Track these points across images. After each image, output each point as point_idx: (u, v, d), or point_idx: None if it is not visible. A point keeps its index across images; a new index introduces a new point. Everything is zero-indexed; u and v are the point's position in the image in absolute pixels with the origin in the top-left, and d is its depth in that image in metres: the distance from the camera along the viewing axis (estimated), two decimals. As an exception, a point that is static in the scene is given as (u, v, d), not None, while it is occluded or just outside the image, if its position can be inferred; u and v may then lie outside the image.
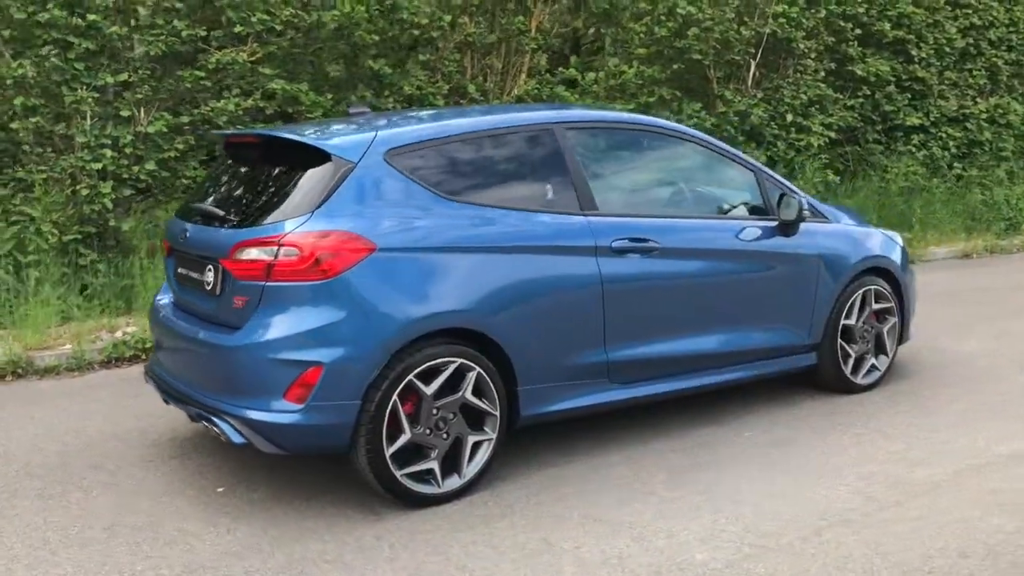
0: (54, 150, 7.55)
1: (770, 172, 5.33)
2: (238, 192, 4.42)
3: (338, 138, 4.14)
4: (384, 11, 8.81)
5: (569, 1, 11.10)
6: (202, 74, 7.96)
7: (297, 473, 4.41)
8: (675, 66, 10.71)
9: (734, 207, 5.17)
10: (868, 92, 11.86)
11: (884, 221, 11.35)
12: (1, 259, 7.13)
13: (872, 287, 5.56)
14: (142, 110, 7.76)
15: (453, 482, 4.10)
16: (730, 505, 4.04)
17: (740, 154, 5.27)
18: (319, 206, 3.91)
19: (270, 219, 3.96)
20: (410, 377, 3.93)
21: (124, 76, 7.63)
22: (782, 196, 5.11)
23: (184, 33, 7.85)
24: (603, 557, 3.59)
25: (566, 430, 4.85)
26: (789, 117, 10.91)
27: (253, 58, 8.25)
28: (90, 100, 7.44)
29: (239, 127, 7.94)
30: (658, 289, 4.69)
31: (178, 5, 7.90)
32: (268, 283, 3.86)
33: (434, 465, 4.04)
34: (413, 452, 4.03)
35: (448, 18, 9.21)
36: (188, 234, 4.32)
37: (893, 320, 5.70)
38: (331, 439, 3.87)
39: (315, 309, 3.82)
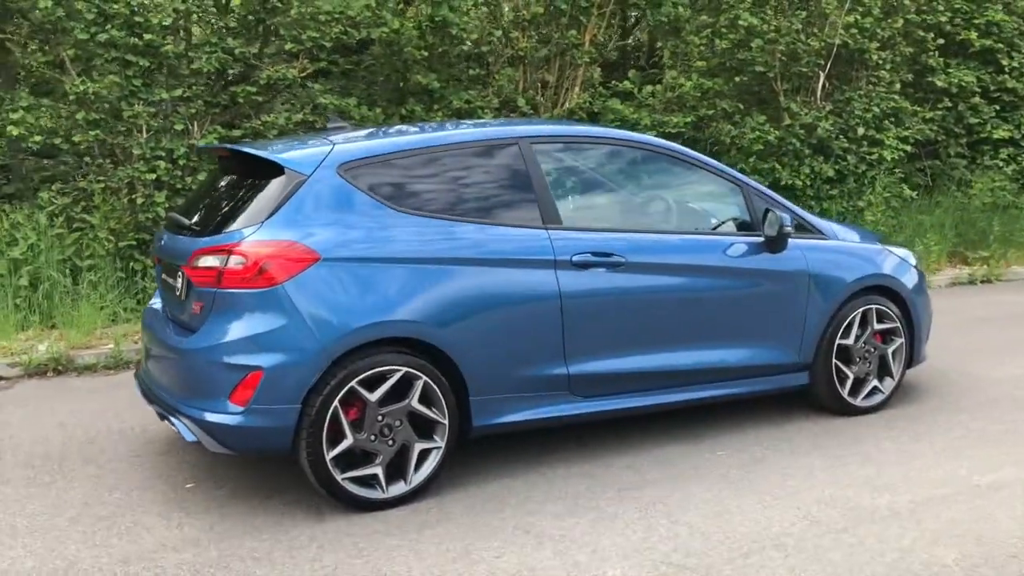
0: (113, 162, 8.03)
1: (759, 187, 5.24)
2: (209, 203, 4.65)
3: (294, 152, 4.32)
4: (434, 27, 9.01)
5: (625, 14, 11.07)
6: (253, 89, 8.33)
7: (265, 472, 4.59)
8: (737, 78, 10.56)
9: (722, 223, 5.12)
10: (950, 104, 11.40)
11: (962, 238, 10.91)
12: (61, 263, 7.63)
13: (874, 306, 5.38)
14: (195, 124, 8.17)
15: (398, 488, 4.20)
16: (667, 523, 4.00)
17: (726, 169, 5.20)
18: (269, 217, 4.10)
19: (226, 229, 4.16)
20: (352, 384, 4.05)
21: (179, 92, 8.06)
22: (767, 212, 5.02)
23: (237, 51, 8.25)
24: (517, 568, 3.63)
25: (531, 441, 4.88)
26: (861, 130, 10.58)
27: (303, 74, 8.58)
28: (146, 115, 7.89)
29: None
30: (626, 304, 4.68)
31: (232, 24, 8.30)
32: (219, 289, 4.06)
33: (378, 471, 4.15)
34: (360, 457, 4.15)
35: (498, 32, 9.36)
36: (163, 242, 4.58)
37: (899, 342, 5.50)
38: (273, 441, 4.03)
39: (259, 315, 3.99)
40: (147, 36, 7.82)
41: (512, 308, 4.40)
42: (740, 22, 10.06)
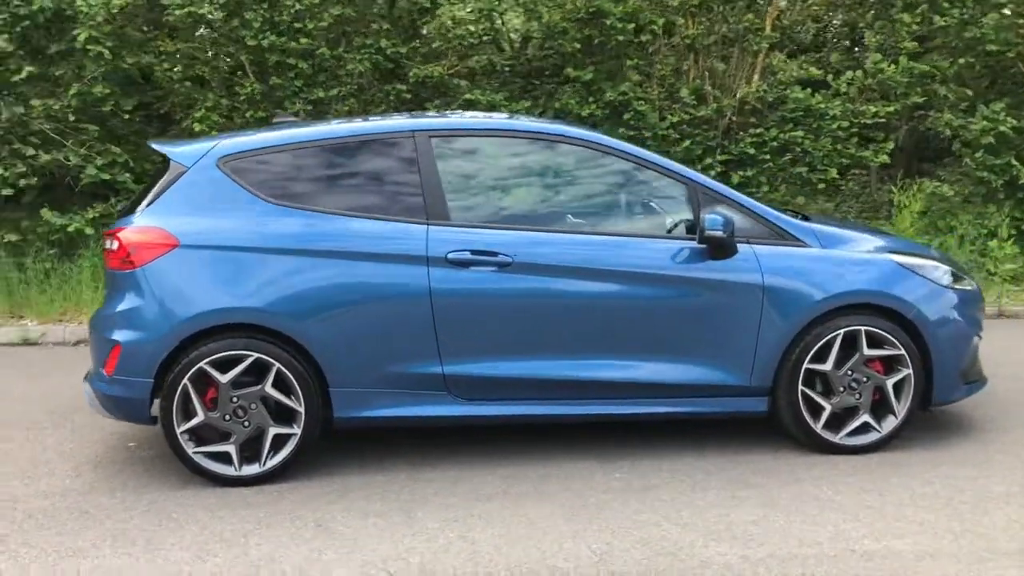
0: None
1: (712, 184, 4.66)
2: (142, 191, 5.06)
3: (183, 146, 4.62)
4: (590, 17, 8.88)
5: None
6: (403, 87, 8.81)
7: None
8: (962, 60, 9.17)
9: (672, 226, 4.63)
10: None
11: None
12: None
13: (863, 328, 4.55)
14: (348, 120, 8.81)
15: (252, 469, 4.38)
16: (454, 537, 3.78)
17: (672, 165, 4.68)
18: (149, 204, 4.46)
19: (129, 215, 4.58)
20: (202, 364, 4.30)
21: (335, 91, 8.75)
22: (708, 214, 4.45)
23: (389, 51, 8.76)
24: (300, 561, 3.61)
25: (433, 440, 4.80)
26: None
27: (451, 70, 8.89)
28: (304, 112, 8.67)
29: None
30: (516, 306, 4.43)
31: (385, 26, 8.83)
32: (108, 270, 4.52)
33: (231, 449, 4.36)
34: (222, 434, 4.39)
35: (661, 21, 8.97)
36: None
37: (905, 373, 4.60)
38: (134, 411, 4.40)
39: (125, 294, 4.38)
40: (303, 41, 8.59)
41: (376, 304, 4.38)
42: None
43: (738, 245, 4.53)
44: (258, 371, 4.35)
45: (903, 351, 4.59)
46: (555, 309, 4.46)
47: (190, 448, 4.35)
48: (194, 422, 4.34)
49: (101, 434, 5.19)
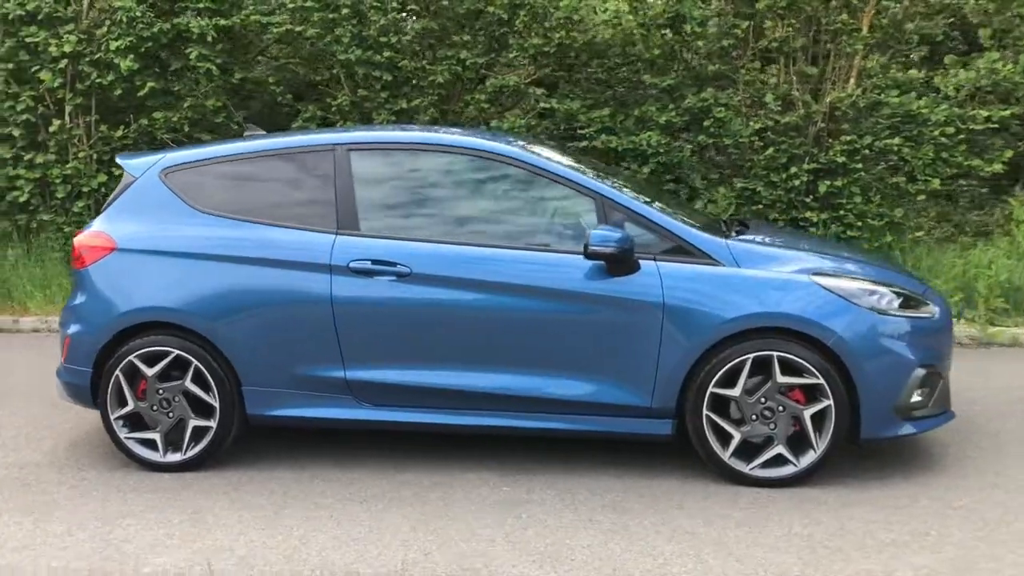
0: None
1: (622, 199, 4.52)
2: None
3: (138, 158, 5.04)
4: (670, 23, 8.69)
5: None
6: (482, 97, 9.01)
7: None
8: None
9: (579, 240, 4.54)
10: None
11: None
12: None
13: (776, 354, 4.27)
14: (429, 130, 9.13)
15: (175, 457, 4.74)
16: (303, 538, 3.95)
17: (582, 179, 4.57)
18: (104, 210, 4.94)
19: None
20: (131, 357, 4.70)
21: (417, 102, 9.09)
22: (597, 228, 4.34)
23: (468, 62, 8.99)
24: (147, 544, 3.92)
25: (363, 442, 4.97)
26: None
27: (528, 80, 8.98)
28: (387, 123, 9.07)
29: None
30: (413, 316, 4.52)
31: (465, 38, 9.06)
32: (72, 268, 5.04)
33: (156, 437, 4.75)
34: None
35: (744, 25, 8.63)
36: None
37: (825, 404, 4.28)
38: (82, 396, 4.86)
39: (76, 292, 4.88)
40: (385, 54, 8.99)
41: (283, 308, 4.61)
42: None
43: (643, 261, 4.39)
44: (182, 367, 4.71)
45: (822, 380, 4.26)
46: (451, 320, 4.51)
47: (123, 433, 4.78)
48: (126, 410, 4.75)
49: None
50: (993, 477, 4.44)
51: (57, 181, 9.48)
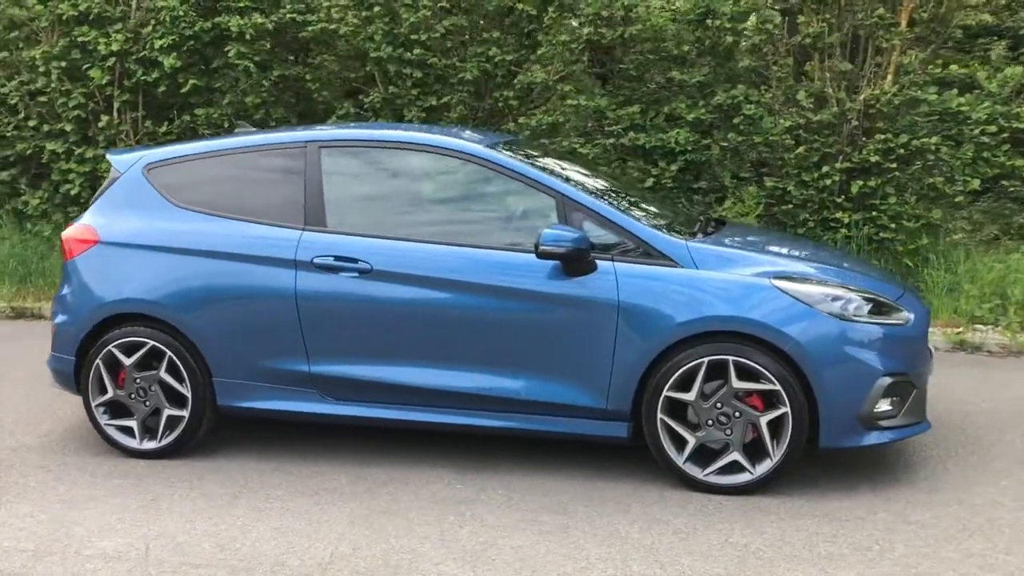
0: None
1: (582, 198, 4.46)
2: None
3: (125, 154, 5.19)
4: (700, 18, 8.54)
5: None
6: (510, 94, 9.00)
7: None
8: None
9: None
10: None
11: None
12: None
13: (731, 358, 4.17)
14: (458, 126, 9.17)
15: (151, 444, 4.88)
16: (243, 528, 4.03)
17: (544, 178, 4.53)
18: (91, 205, 5.11)
19: (84, 214, 5.26)
20: (110, 347, 4.85)
21: (446, 99, 9.14)
22: (549, 228, 4.30)
23: (496, 59, 9.00)
24: (94, 526, 4.06)
25: (339, 437, 5.03)
26: None
27: (556, 76, 8.94)
28: (416, 120, 9.15)
29: (544, 140, 8.83)
30: (374, 312, 4.56)
31: (495, 35, 9.07)
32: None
33: (134, 424, 4.89)
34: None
35: (777, 19, 8.42)
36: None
37: (782, 411, 4.16)
38: (67, 383, 5.04)
39: (63, 283, 5.06)
40: (416, 51, 9.06)
41: (250, 302, 4.70)
42: None
43: (600, 262, 4.34)
44: (158, 357, 4.84)
45: (778, 386, 4.15)
46: (411, 317, 4.53)
47: (103, 420, 4.94)
48: (105, 397, 4.91)
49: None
50: (962, 493, 4.24)
51: (106, 175, 9.81)
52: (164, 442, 4.86)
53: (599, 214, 4.43)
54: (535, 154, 5.16)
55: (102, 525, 4.08)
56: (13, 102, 10.00)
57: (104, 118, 9.76)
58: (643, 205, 5.05)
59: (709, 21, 8.37)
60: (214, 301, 4.74)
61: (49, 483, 4.58)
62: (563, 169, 5.00)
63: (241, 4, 9.46)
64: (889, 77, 8.36)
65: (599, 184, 5.03)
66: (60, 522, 4.12)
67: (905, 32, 8.23)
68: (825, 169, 8.29)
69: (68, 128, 9.88)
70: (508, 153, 4.71)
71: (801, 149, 8.34)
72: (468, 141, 4.78)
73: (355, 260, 4.57)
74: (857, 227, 8.25)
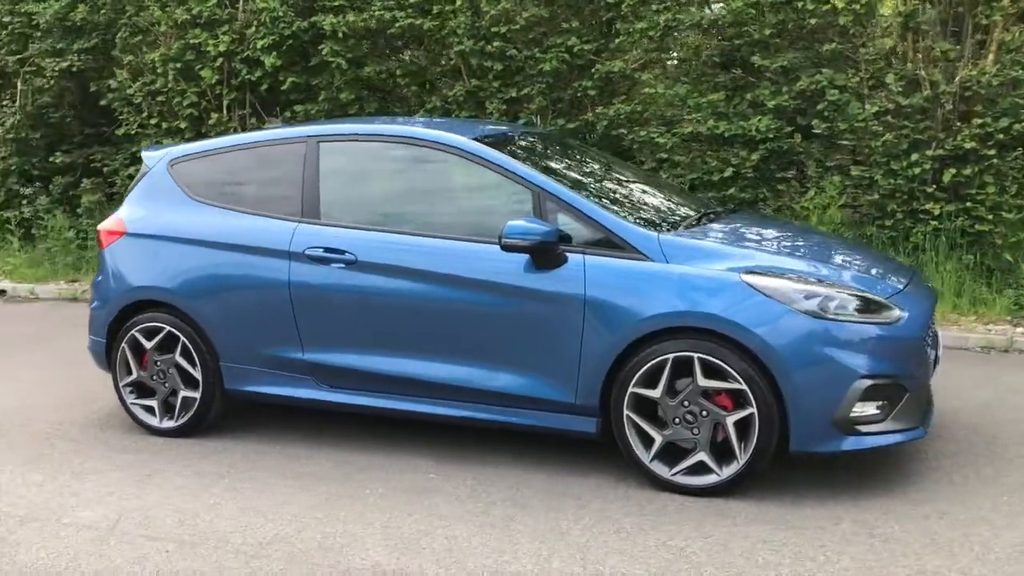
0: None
1: (556, 189, 4.39)
2: None
3: (154, 151, 5.49)
4: (784, 1, 8.19)
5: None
6: (588, 84, 8.93)
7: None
8: None
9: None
10: None
11: None
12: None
13: (696, 355, 4.02)
14: (539, 118, 9.17)
15: (169, 423, 5.18)
16: (214, 507, 4.22)
17: (525, 171, 4.47)
18: (125, 198, 5.45)
19: (121, 207, 5.62)
20: (133, 331, 5.18)
21: (526, 90, 9.16)
22: (513, 220, 4.26)
23: (575, 49, 8.94)
24: (87, 498, 4.36)
25: (335, 423, 5.17)
26: None
27: (634, 65, 8.78)
28: (497, 112, 9.21)
29: (622, 130, 8.76)
30: (360, 303, 4.66)
31: (575, 24, 9.00)
32: (103, 250, 5.61)
33: (154, 404, 5.20)
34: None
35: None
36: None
37: (749, 412, 3.98)
38: (102, 363, 5.41)
39: (99, 271, 5.43)
40: (495, 43, 9.12)
41: (250, 292, 4.90)
42: None
43: (570, 255, 4.27)
44: (175, 342, 5.12)
45: (744, 386, 3.96)
46: (391, 307, 4.60)
47: (130, 399, 5.27)
48: (131, 378, 5.25)
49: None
50: (951, 506, 3.92)
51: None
52: (181, 421, 5.14)
53: (572, 206, 4.35)
54: (540, 146, 5.12)
55: (93, 497, 4.37)
56: (137, 102, 10.74)
57: (215, 115, 10.33)
58: (646, 200, 4.94)
59: (800, 3, 7.99)
60: (220, 290, 4.97)
61: (68, 455, 4.94)
62: (567, 165, 4.96)
63: (336, 3, 9.79)
64: (991, 56, 7.75)
65: (606, 178, 4.96)
66: (60, 491, 4.44)
67: (1008, 7, 7.61)
68: (915, 157, 7.79)
69: (183, 126, 10.50)
70: (491, 146, 4.69)
71: (889, 136, 7.86)
72: (451, 133, 4.79)
73: (342, 252, 4.68)
74: (949, 219, 7.70)
